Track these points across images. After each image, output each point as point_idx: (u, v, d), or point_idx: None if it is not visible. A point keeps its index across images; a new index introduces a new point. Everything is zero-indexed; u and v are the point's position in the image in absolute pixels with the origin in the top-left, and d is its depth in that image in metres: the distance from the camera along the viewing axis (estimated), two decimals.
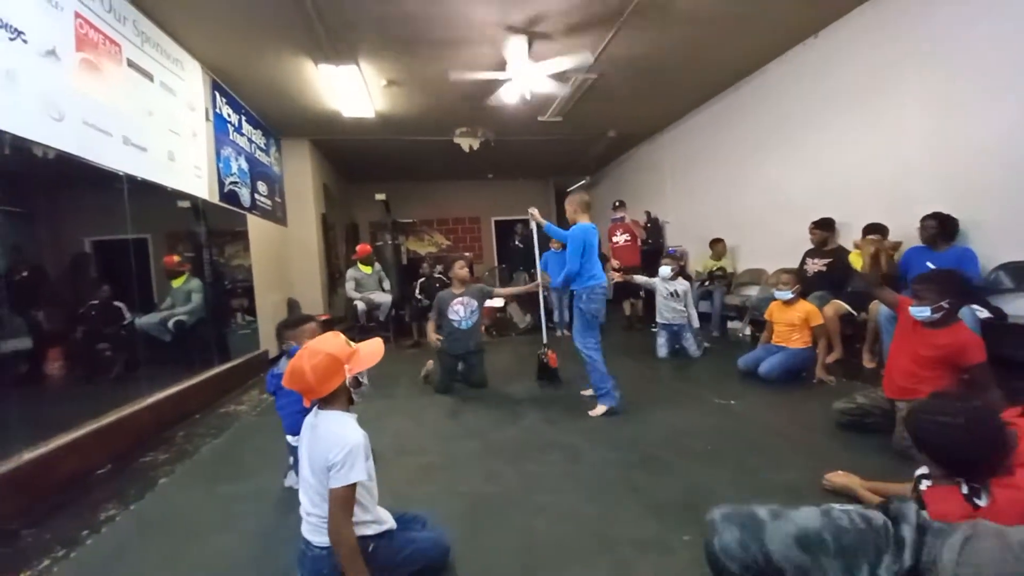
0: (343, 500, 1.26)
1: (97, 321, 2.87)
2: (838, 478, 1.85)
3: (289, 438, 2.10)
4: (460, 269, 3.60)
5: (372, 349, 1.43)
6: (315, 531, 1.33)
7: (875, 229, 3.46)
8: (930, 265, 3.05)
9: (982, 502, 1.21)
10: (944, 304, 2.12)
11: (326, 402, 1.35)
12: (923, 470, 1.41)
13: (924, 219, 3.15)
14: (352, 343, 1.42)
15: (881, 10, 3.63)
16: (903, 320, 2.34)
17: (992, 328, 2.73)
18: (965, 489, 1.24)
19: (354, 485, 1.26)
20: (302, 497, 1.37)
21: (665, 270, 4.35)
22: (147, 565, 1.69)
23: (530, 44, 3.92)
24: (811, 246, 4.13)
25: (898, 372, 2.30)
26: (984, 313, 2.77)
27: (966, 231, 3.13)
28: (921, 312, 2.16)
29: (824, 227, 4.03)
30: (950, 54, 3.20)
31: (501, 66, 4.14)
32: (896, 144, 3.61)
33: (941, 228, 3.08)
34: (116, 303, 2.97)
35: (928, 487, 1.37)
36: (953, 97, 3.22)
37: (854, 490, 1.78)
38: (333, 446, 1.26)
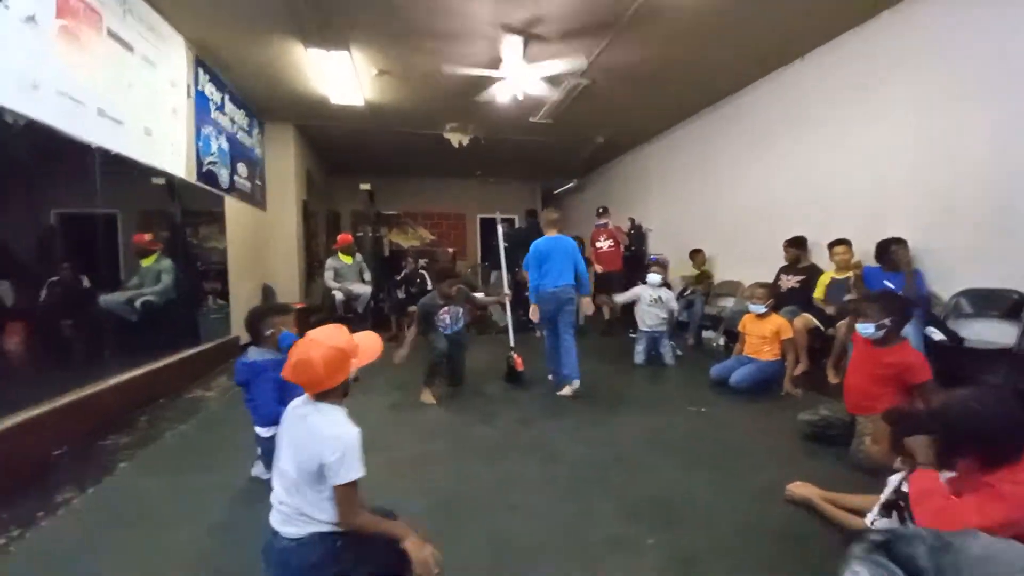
0: (347, 496, 1.26)
1: (59, 296, 2.75)
2: (798, 489, 1.91)
3: (259, 430, 2.06)
4: (450, 288, 3.51)
5: (372, 344, 1.44)
6: (286, 521, 1.30)
7: (840, 243, 3.69)
8: (888, 284, 3.19)
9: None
10: (886, 322, 2.25)
11: (324, 395, 1.33)
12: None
13: (889, 243, 3.26)
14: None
15: (867, 37, 3.76)
16: (857, 340, 2.47)
17: (948, 351, 2.87)
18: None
19: (356, 481, 1.26)
20: (275, 484, 1.33)
21: (655, 277, 4.43)
22: (102, 549, 1.64)
23: (526, 45, 3.93)
24: (785, 263, 4.27)
25: (854, 389, 2.42)
26: (938, 335, 2.91)
27: (928, 256, 3.28)
28: (865, 329, 2.31)
29: (796, 245, 4.17)
30: (930, 81, 3.34)
31: (495, 64, 4.14)
32: (875, 166, 3.74)
33: (891, 253, 3.22)
34: (78, 276, 2.85)
35: (914, 472, 1.43)
36: (930, 124, 3.35)
37: (812, 500, 1.84)
38: (328, 441, 1.24)
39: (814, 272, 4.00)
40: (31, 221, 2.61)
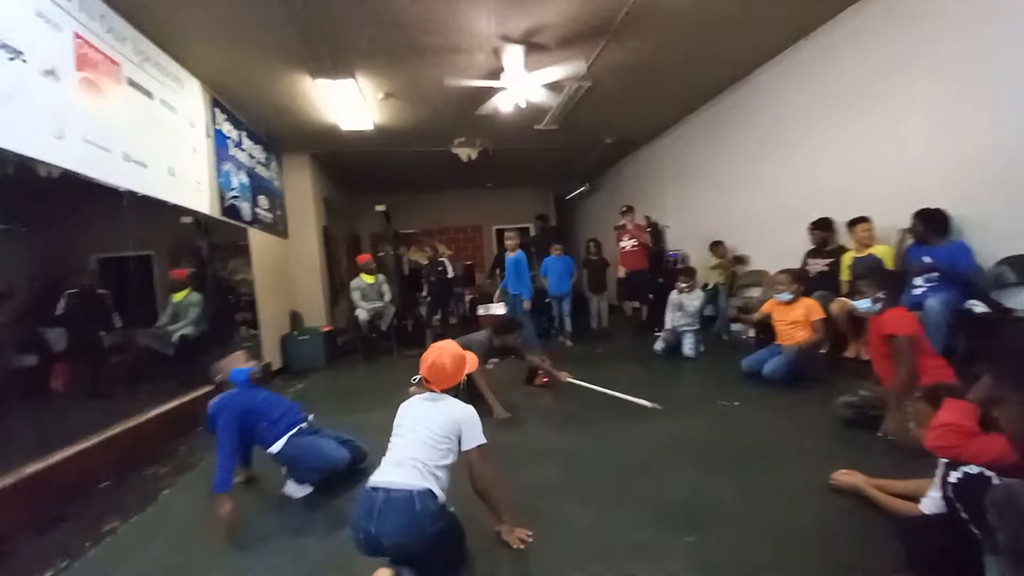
0: (485, 455, 1.59)
1: (98, 333, 2.89)
2: (844, 476, 1.83)
3: (274, 449, 2.13)
4: (511, 342, 3.65)
5: (473, 359, 1.84)
6: (409, 474, 1.49)
7: (862, 220, 3.57)
8: (927, 260, 3.03)
9: None
10: (881, 295, 2.39)
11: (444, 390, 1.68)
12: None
13: (912, 220, 3.13)
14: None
15: (872, 10, 3.63)
16: (871, 322, 2.52)
17: (994, 323, 2.70)
18: None
19: (486, 444, 1.60)
20: (399, 449, 1.57)
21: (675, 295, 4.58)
22: (146, 574, 1.68)
23: (526, 53, 3.96)
24: (812, 247, 4.13)
25: (879, 369, 2.46)
26: (981, 307, 2.75)
27: (966, 227, 3.10)
28: (863, 304, 2.45)
29: (823, 227, 4.03)
30: (951, 52, 3.17)
31: (496, 74, 4.19)
32: (896, 143, 3.58)
33: (927, 226, 3.06)
34: (111, 314, 2.99)
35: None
36: (955, 95, 3.18)
37: (860, 488, 1.75)
38: (461, 415, 1.60)
39: (843, 253, 3.85)
40: (72, 267, 2.76)
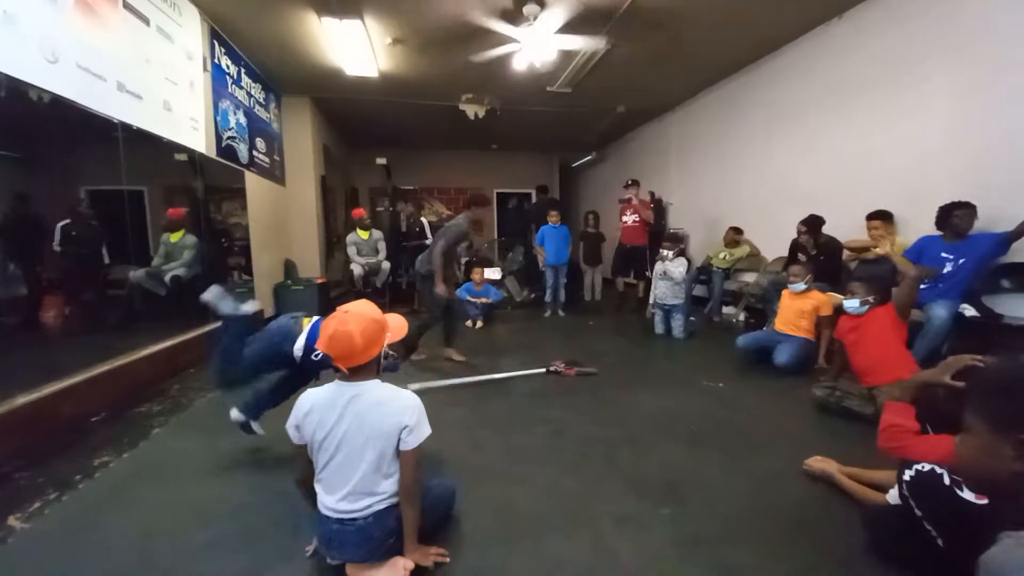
0: (416, 459, 1.29)
1: (88, 267, 2.85)
2: (817, 463, 1.90)
3: None
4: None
5: (400, 323, 1.48)
6: (357, 501, 1.28)
7: (874, 216, 3.46)
8: (945, 256, 3.01)
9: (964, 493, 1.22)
10: (870, 299, 2.44)
11: (358, 370, 1.30)
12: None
13: (959, 207, 2.95)
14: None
15: None
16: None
17: (983, 328, 2.75)
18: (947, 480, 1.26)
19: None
20: (336, 477, 1.28)
21: (664, 253, 4.44)
22: (137, 510, 1.73)
23: (567, 16, 3.73)
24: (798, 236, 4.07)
25: (853, 360, 2.58)
26: (970, 311, 2.79)
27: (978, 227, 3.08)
28: (851, 304, 2.51)
29: (810, 226, 3.95)
30: (980, 43, 3.08)
31: (513, 19, 3.96)
32: (917, 135, 3.52)
33: (949, 219, 2.98)
34: (102, 249, 2.94)
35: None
36: (980, 88, 3.11)
37: (832, 475, 1.82)
38: (404, 409, 1.28)
39: (832, 245, 3.84)
40: (62, 197, 2.69)
